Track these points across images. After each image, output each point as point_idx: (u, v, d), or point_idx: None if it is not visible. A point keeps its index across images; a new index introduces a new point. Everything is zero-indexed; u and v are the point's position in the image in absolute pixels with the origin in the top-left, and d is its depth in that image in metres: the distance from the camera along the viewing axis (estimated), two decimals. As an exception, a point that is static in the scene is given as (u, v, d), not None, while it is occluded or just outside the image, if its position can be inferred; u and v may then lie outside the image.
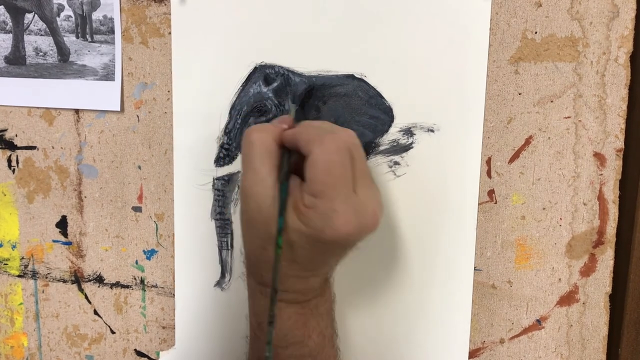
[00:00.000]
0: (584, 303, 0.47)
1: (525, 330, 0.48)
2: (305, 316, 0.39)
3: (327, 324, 0.41)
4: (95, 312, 0.55)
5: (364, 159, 0.39)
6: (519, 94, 0.45)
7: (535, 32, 0.44)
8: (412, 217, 0.47)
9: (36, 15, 0.51)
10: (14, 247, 0.56)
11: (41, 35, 0.52)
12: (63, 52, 0.51)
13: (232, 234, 0.49)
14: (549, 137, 0.45)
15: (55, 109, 0.53)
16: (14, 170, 0.55)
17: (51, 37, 0.51)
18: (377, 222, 0.37)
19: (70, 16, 0.51)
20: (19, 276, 0.57)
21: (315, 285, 0.40)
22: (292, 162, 0.38)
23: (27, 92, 0.53)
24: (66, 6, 0.51)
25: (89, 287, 0.55)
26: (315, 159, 0.36)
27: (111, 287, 0.55)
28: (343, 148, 0.36)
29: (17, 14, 0.52)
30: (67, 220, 0.54)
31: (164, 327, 0.54)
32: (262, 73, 0.47)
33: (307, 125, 0.39)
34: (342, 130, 0.38)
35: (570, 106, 0.44)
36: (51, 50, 0.52)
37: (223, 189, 0.49)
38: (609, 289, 0.46)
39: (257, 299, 0.41)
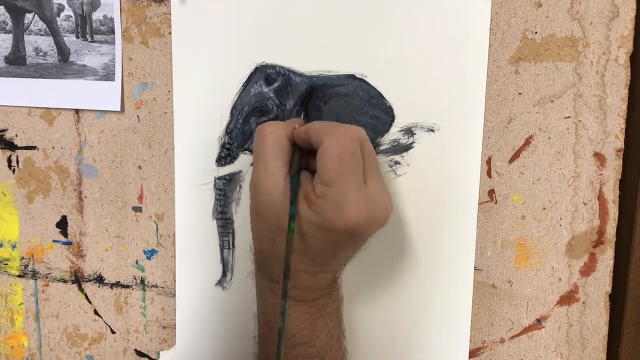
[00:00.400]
0: (584, 303, 0.47)
1: (526, 330, 0.48)
2: (314, 316, 0.40)
3: (335, 324, 0.41)
4: (96, 312, 0.55)
5: (373, 153, 0.39)
6: (519, 94, 0.45)
7: (535, 32, 0.44)
8: (412, 217, 0.47)
9: (36, 15, 0.51)
10: (14, 247, 0.56)
11: (41, 35, 0.52)
12: (63, 52, 0.51)
13: (233, 233, 0.49)
14: (549, 137, 0.45)
15: (56, 109, 0.53)
16: (14, 170, 0.55)
17: (51, 37, 0.51)
18: (387, 215, 0.38)
19: (70, 16, 0.51)
20: (19, 276, 0.57)
21: (324, 283, 0.40)
22: (302, 159, 0.39)
23: (27, 92, 0.53)
24: (66, 6, 0.51)
25: (89, 287, 0.55)
26: (327, 147, 0.36)
27: (111, 287, 0.55)
28: (354, 139, 0.37)
29: (17, 14, 0.52)
30: (67, 220, 0.54)
31: (164, 327, 0.54)
32: (263, 73, 0.47)
33: (318, 122, 0.40)
34: (351, 125, 0.39)
35: (570, 106, 0.44)
36: (51, 50, 0.52)
37: (224, 188, 0.49)
38: (609, 289, 0.47)
39: (266, 297, 0.41)
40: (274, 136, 0.38)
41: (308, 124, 0.39)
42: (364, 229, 0.37)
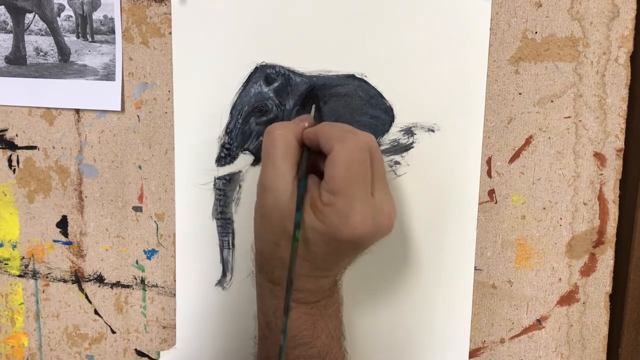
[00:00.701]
0: (584, 303, 0.47)
1: (526, 330, 0.48)
2: (314, 317, 0.40)
3: (335, 325, 0.41)
4: (96, 312, 0.55)
5: (382, 162, 0.39)
6: (519, 94, 0.45)
7: (536, 32, 0.44)
8: (412, 217, 0.47)
9: (37, 15, 0.51)
10: (14, 247, 0.56)
11: (42, 35, 0.52)
12: (63, 52, 0.51)
13: (233, 233, 0.49)
14: (549, 137, 0.45)
15: (56, 108, 0.53)
16: (14, 170, 0.55)
17: (52, 37, 0.51)
18: (391, 226, 0.38)
19: (71, 16, 0.51)
20: (19, 276, 0.57)
21: (325, 286, 0.40)
22: (310, 160, 0.39)
23: (28, 92, 0.53)
24: (67, 6, 0.51)
25: (89, 287, 0.55)
26: (336, 156, 0.36)
27: (111, 287, 0.55)
28: (364, 148, 0.37)
29: (17, 13, 0.52)
30: (68, 220, 0.54)
31: (164, 327, 0.54)
32: (263, 73, 0.47)
33: (329, 124, 0.40)
34: (362, 132, 0.38)
35: (571, 106, 0.44)
36: (52, 50, 0.52)
37: (224, 188, 0.49)
38: (609, 289, 0.46)
39: (266, 298, 0.41)
40: (283, 138, 0.38)
41: (318, 126, 0.39)
42: (369, 239, 0.37)
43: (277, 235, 0.38)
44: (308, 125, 0.40)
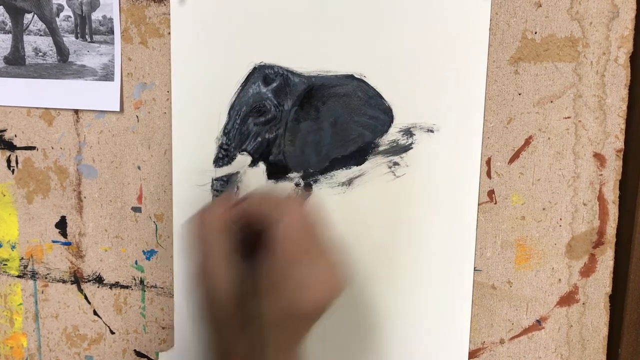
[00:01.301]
0: (584, 303, 0.47)
1: (525, 331, 0.48)
2: None
3: None
4: (95, 313, 0.55)
5: (321, 221, 0.37)
6: (519, 94, 0.45)
7: (535, 32, 0.44)
8: (411, 218, 0.47)
9: (35, 16, 0.51)
10: (13, 247, 0.56)
11: (40, 35, 0.52)
12: (62, 52, 0.51)
13: (231, 234, 0.49)
14: (549, 138, 0.45)
15: (55, 109, 0.53)
16: (13, 171, 0.55)
17: (50, 38, 0.51)
18: (346, 282, 0.35)
19: (70, 16, 0.51)
20: (18, 276, 0.57)
21: None
22: (245, 238, 0.37)
23: (27, 92, 0.53)
24: (65, 6, 0.51)
25: (88, 288, 0.55)
26: (278, 230, 0.34)
27: (111, 288, 0.55)
28: (303, 215, 0.36)
29: (16, 14, 0.52)
30: (67, 221, 0.54)
31: (163, 328, 0.54)
32: (262, 73, 0.47)
33: (255, 200, 0.38)
34: (291, 198, 0.37)
35: (570, 106, 0.44)
36: (50, 50, 0.52)
37: (222, 189, 0.49)
38: (609, 289, 0.46)
39: None
40: (213, 221, 0.36)
41: (244, 204, 0.37)
42: (328, 304, 0.35)
43: (224, 326, 0.35)
44: (233, 203, 0.38)
